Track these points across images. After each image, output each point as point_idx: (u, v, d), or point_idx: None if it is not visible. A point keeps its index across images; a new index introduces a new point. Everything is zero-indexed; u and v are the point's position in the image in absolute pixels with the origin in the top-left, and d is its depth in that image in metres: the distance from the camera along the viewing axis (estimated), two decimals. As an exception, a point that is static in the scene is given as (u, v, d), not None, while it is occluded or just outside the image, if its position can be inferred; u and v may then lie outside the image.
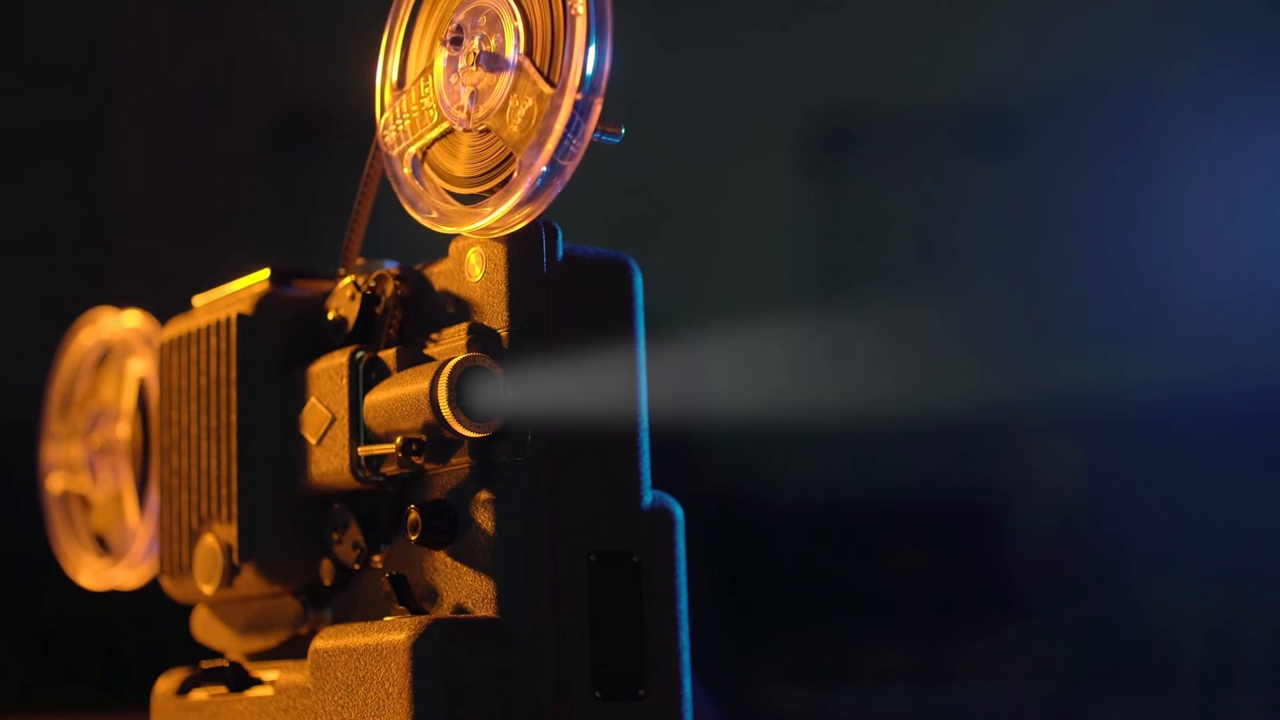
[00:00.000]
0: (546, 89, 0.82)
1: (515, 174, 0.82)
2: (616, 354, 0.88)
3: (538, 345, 0.85)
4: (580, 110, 0.81)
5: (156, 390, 1.13)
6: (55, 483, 1.23)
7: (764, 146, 1.79)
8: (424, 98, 0.88)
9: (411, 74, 0.90)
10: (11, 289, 1.97)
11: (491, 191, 0.85)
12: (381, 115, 0.90)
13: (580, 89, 0.81)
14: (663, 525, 0.88)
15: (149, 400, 1.16)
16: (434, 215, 0.87)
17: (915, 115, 1.71)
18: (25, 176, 2.01)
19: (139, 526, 1.15)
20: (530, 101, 0.82)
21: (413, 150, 0.88)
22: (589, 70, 0.81)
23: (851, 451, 1.65)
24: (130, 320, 1.18)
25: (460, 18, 0.87)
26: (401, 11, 0.91)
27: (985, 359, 1.61)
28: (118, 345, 1.19)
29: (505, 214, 0.83)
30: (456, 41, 0.86)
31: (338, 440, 0.91)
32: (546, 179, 0.82)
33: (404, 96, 0.89)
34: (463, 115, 0.86)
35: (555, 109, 0.81)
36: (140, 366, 1.17)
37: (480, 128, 0.85)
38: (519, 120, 0.83)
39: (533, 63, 0.83)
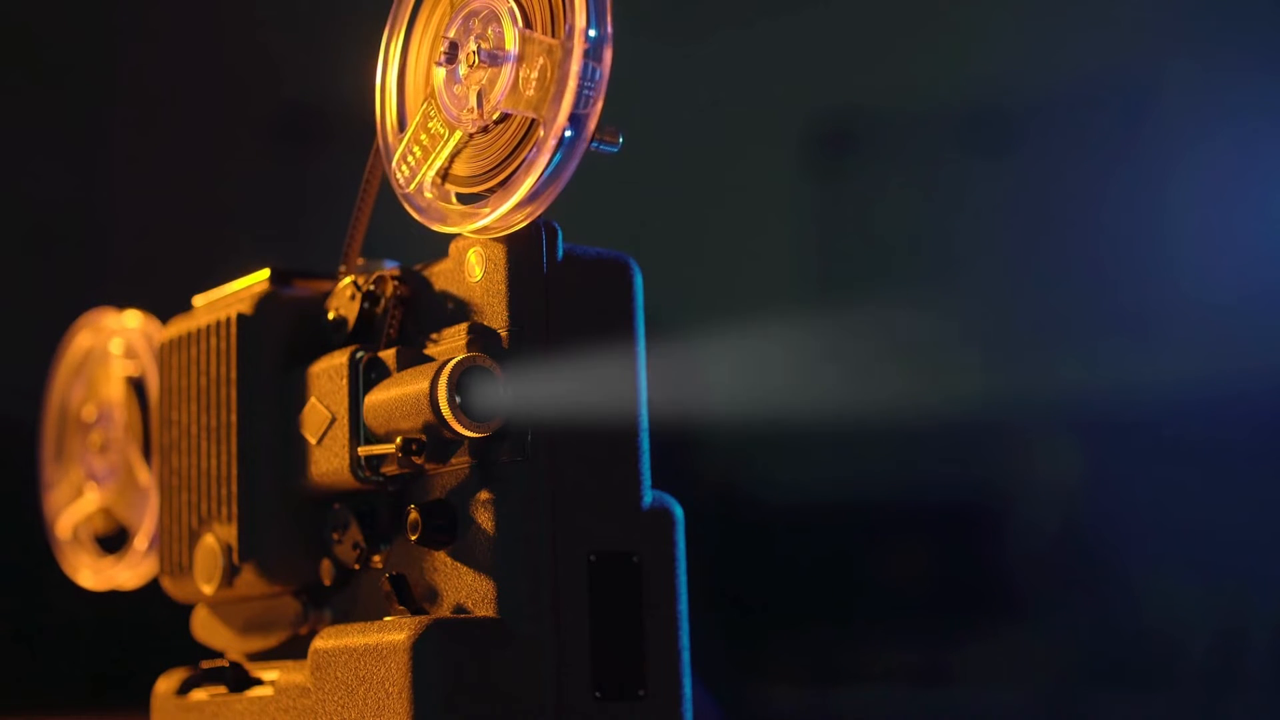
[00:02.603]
0: (554, 42, 0.82)
1: (541, 134, 0.81)
2: (616, 354, 0.87)
3: (538, 345, 0.85)
4: (592, 55, 0.80)
5: (154, 384, 1.13)
6: (63, 529, 1.22)
7: (764, 146, 1.79)
8: (431, 121, 0.88)
9: (412, 107, 0.89)
10: (11, 289, 1.97)
11: (492, 190, 0.85)
12: (390, 160, 0.90)
13: (587, 37, 0.80)
14: (663, 525, 0.88)
15: (147, 389, 1.16)
16: (436, 217, 0.87)
17: (915, 115, 1.71)
18: (25, 176, 2.01)
19: (150, 487, 1.15)
20: (541, 60, 0.82)
21: (431, 175, 0.88)
22: (594, 17, 0.81)
23: (851, 451, 1.65)
24: (130, 320, 1.18)
25: (452, 33, 0.87)
26: (391, 53, 0.90)
27: (985, 359, 1.61)
28: (102, 341, 1.19)
29: (515, 205, 0.82)
30: (452, 57, 0.86)
31: (338, 440, 0.91)
32: (570, 143, 0.81)
33: (407, 132, 0.89)
34: (474, 116, 0.85)
35: (568, 54, 0.81)
36: (119, 346, 1.17)
37: (495, 117, 0.85)
38: (534, 84, 0.82)
39: (535, 32, 0.83)
